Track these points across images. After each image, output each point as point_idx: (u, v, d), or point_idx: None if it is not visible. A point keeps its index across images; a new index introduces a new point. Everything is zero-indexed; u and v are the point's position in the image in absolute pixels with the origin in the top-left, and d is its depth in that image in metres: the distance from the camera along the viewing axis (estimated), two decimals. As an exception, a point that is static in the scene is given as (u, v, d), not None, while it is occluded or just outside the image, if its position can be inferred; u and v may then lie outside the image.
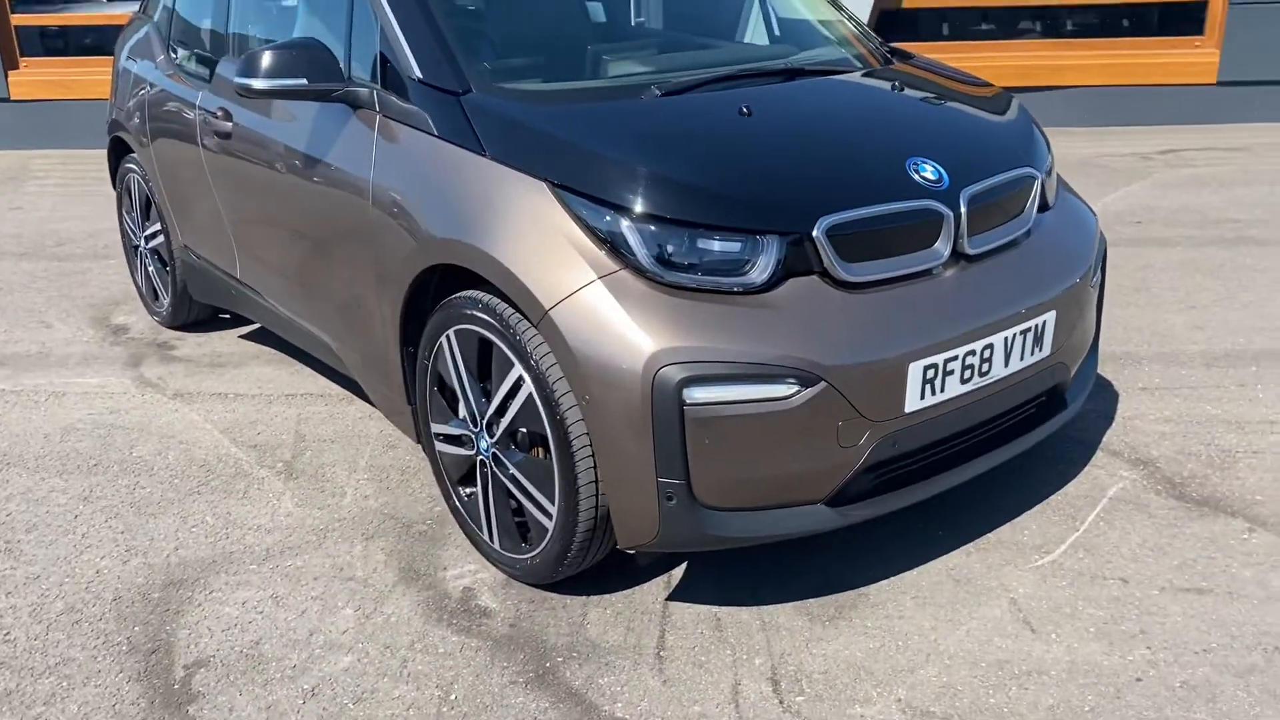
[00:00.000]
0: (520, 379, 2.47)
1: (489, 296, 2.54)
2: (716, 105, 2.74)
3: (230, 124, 3.51)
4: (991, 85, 3.24)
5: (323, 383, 4.01)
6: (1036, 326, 2.63)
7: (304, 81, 2.83)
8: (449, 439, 2.81)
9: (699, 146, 2.56)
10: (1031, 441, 2.78)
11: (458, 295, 2.64)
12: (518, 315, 2.46)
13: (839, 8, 3.66)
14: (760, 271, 2.35)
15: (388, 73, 2.85)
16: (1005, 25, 9.21)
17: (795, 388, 2.27)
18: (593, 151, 2.48)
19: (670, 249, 2.35)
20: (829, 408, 2.30)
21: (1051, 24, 9.20)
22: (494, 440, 2.62)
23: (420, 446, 3.18)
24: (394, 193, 2.76)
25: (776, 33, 3.75)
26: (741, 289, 2.34)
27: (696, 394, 2.25)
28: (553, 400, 2.39)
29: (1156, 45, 8.41)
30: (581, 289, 2.33)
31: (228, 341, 4.50)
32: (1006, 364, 2.58)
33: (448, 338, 2.68)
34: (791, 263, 2.36)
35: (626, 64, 3.24)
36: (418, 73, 2.75)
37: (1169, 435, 3.37)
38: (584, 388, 2.33)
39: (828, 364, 2.29)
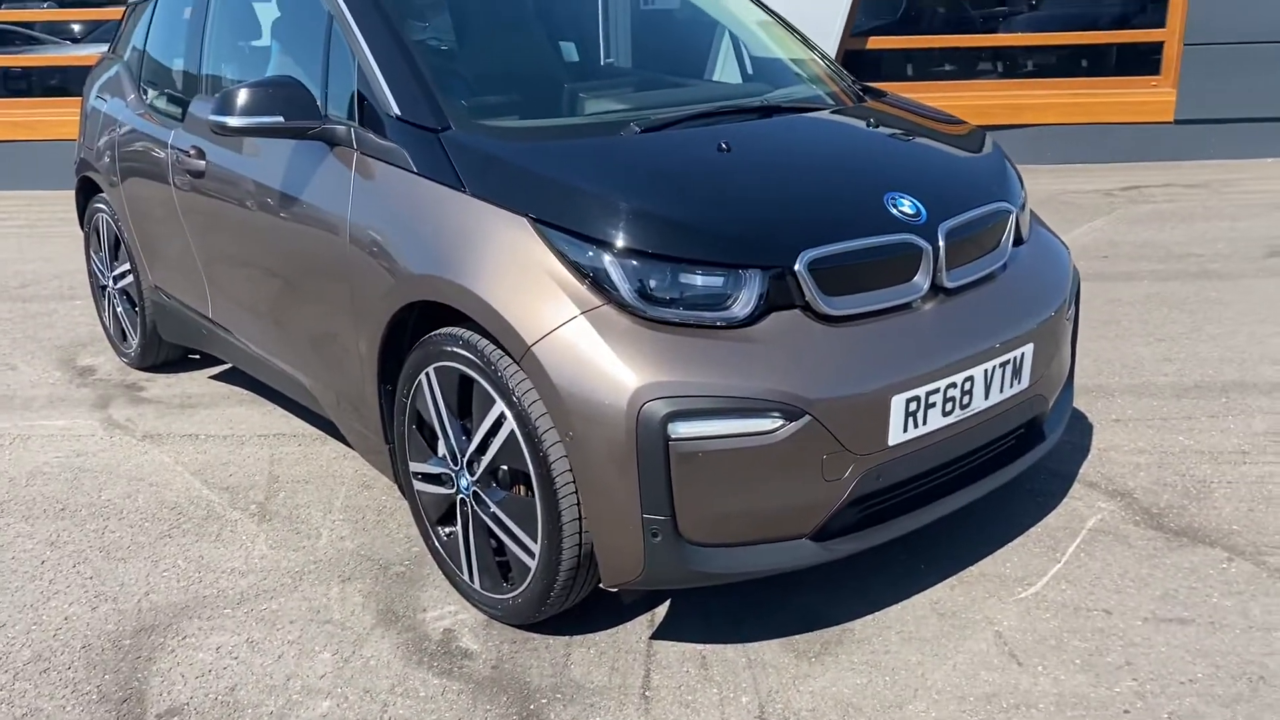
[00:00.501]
0: (502, 416, 2.45)
1: (469, 333, 2.52)
2: (695, 142, 2.76)
3: (203, 163, 3.48)
4: (965, 122, 3.28)
5: (295, 423, 3.96)
6: (1015, 359, 2.65)
7: (280, 119, 2.81)
8: (428, 478, 2.78)
9: (680, 182, 2.57)
10: (1012, 474, 2.79)
11: (437, 332, 2.62)
12: (499, 352, 2.44)
13: (811, 47, 3.70)
14: (742, 305, 2.35)
15: (365, 110, 2.84)
16: (966, 65, 9.40)
17: (780, 421, 2.27)
18: (574, 187, 2.48)
19: (653, 284, 2.34)
20: (813, 441, 2.30)
21: (1011, 64, 9.40)
22: (475, 478, 2.59)
23: (397, 486, 3.15)
24: (372, 230, 2.74)
25: (749, 71, 3.79)
26: (724, 323, 2.33)
27: (681, 429, 2.23)
28: (535, 437, 2.37)
29: (1114, 85, 8.61)
30: (564, 324, 2.32)
31: (198, 382, 4.43)
32: (987, 396, 2.59)
33: (427, 375, 2.65)
34: (773, 297, 2.36)
35: (603, 101, 3.26)
36: (396, 110, 2.75)
37: (1144, 466, 3.39)
38: (567, 424, 2.31)
39: (811, 397, 2.29)
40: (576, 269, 2.36)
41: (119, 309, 4.57)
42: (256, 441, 3.83)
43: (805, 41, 3.74)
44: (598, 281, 2.34)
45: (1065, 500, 3.20)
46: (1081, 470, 3.38)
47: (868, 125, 3.02)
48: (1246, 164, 8.21)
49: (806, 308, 2.39)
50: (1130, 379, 4.11)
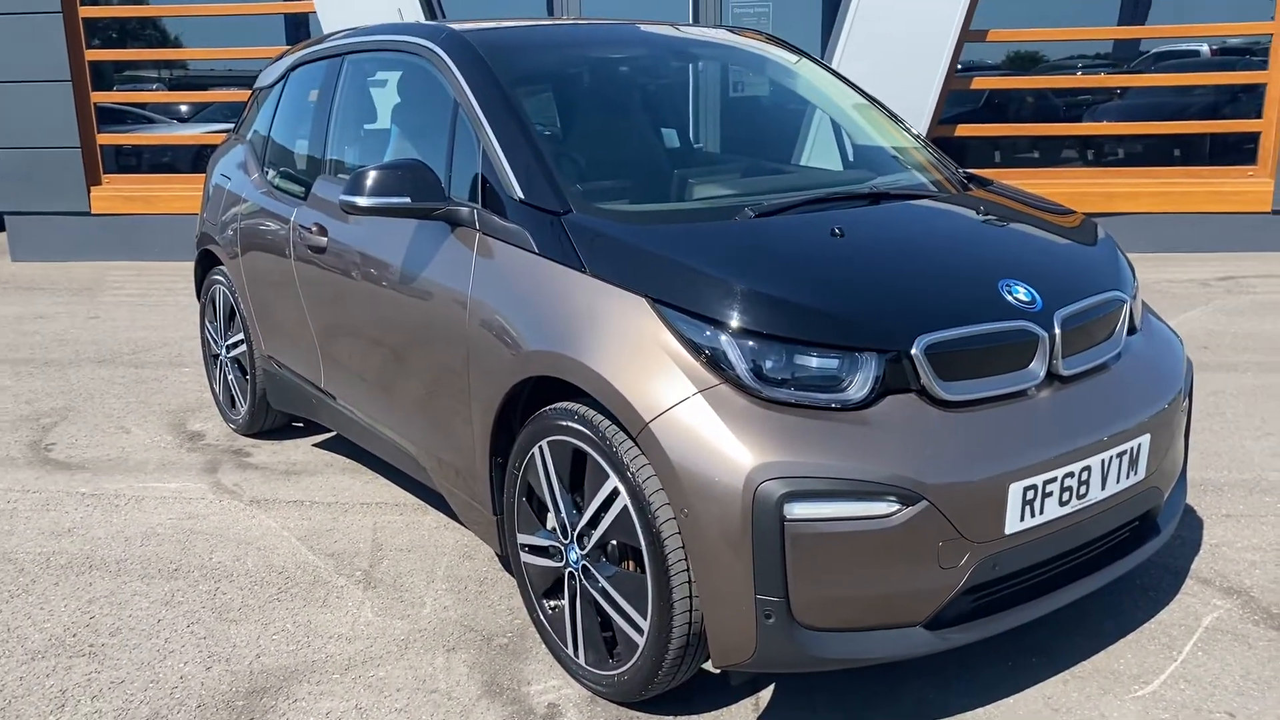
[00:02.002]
0: (615, 491, 2.48)
1: (585, 408, 2.57)
2: (809, 226, 2.81)
3: (325, 239, 3.64)
4: (1074, 211, 3.29)
5: (397, 492, 4.04)
6: (1132, 449, 2.61)
7: (407, 200, 2.94)
8: (535, 550, 2.82)
9: (795, 265, 2.61)
10: (1127, 567, 2.73)
11: (553, 406, 2.67)
12: (615, 427, 2.49)
13: (915, 135, 3.75)
14: (859, 388, 2.37)
15: (488, 193, 2.95)
16: (1055, 153, 9.40)
17: (896, 506, 2.26)
18: (692, 268, 2.53)
19: (769, 364, 2.38)
20: (930, 527, 2.29)
21: (1101, 152, 9.37)
22: (584, 552, 2.62)
23: (499, 558, 3.19)
24: (493, 307, 2.83)
25: (851, 158, 3.85)
26: (839, 405, 2.35)
27: (797, 510, 2.24)
28: (649, 513, 2.40)
29: (1209, 175, 8.53)
30: (682, 402, 2.36)
31: (302, 450, 4.56)
32: (1103, 487, 2.56)
33: (540, 448, 2.71)
34: (889, 380, 2.38)
35: (710, 187, 3.34)
36: (519, 193, 2.86)
37: (1259, 564, 3.29)
38: (682, 501, 2.33)
39: (929, 482, 2.28)
40: (693, 348, 2.41)
41: (230, 377, 4.74)
42: (360, 509, 3.91)
43: (908, 130, 3.79)
44: (714, 360, 2.39)
45: (1179, 597, 3.11)
46: (1194, 566, 3.29)
47: (978, 213, 3.05)
48: (1348, 256, 8.03)
49: (922, 392, 2.40)
50: (1240, 474, 4.01)
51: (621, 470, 2.45)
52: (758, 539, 2.25)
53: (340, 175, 3.77)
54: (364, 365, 3.60)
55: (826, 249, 2.68)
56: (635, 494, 2.42)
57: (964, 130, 8.80)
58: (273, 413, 4.56)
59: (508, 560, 2.98)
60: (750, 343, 2.39)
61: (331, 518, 3.85)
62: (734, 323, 2.40)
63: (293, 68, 4.41)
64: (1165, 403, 2.77)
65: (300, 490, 4.12)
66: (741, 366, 2.37)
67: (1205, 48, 10.08)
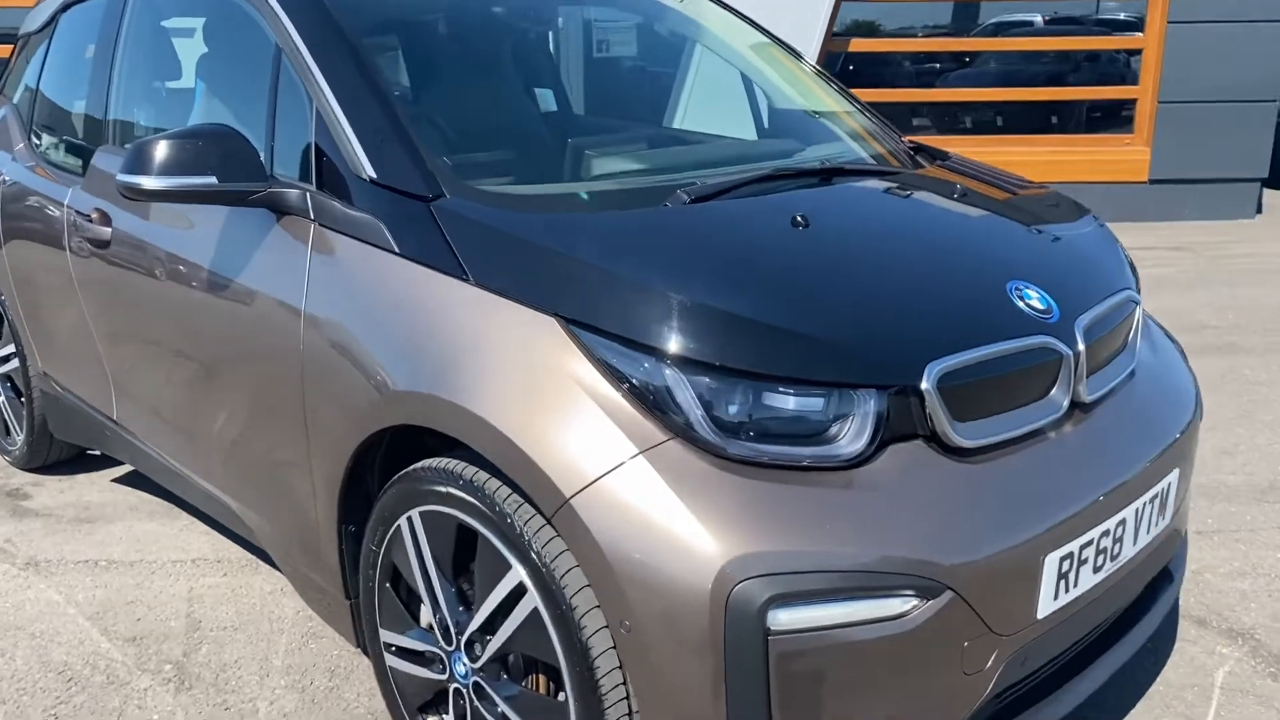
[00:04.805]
0: (521, 587, 1.79)
1: (472, 469, 1.87)
2: (761, 214, 2.15)
3: (108, 229, 2.77)
4: (1056, 192, 2.74)
5: (219, 543, 3.22)
6: (1162, 490, 2.10)
7: (213, 180, 2.13)
8: (408, 654, 2.10)
9: (757, 268, 1.95)
10: (1151, 627, 2.22)
11: (426, 464, 1.96)
12: (518, 499, 1.80)
13: (851, 98, 3.14)
14: (853, 439, 1.74)
15: (325, 170, 2.18)
16: (935, 120, 9.08)
17: (914, 602, 1.66)
18: (619, 275, 1.84)
19: (733, 410, 1.73)
20: (954, 624, 1.70)
21: (981, 120, 9.10)
22: (477, 665, 1.92)
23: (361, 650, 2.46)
24: (337, 326, 2.07)
25: (765, 124, 3.22)
26: (829, 464, 1.72)
27: (784, 617, 1.61)
28: (571, 621, 1.72)
29: (1087, 143, 8.35)
30: (616, 469, 1.68)
31: (98, 487, 3.66)
32: (1135, 541, 2.03)
33: (410, 520, 1.98)
34: (892, 425, 1.76)
35: (618, 160, 2.65)
36: (369, 170, 2.09)
37: (1252, 596, 2.86)
38: (622, 610, 1.66)
39: (951, 565, 1.68)
40: (629, 389, 1.73)
41: (1, 399, 3.79)
42: (171, 569, 3.08)
43: (844, 92, 3.18)
44: (659, 406, 1.72)
45: (1179, 645, 2.64)
46: (1183, 602, 2.83)
47: (954, 196, 2.45)
48: (1222, 225, 7.98)
49: (932, 437, 1.79)
50: (1194, 477, 3.59)
51: (529, 560, 1.76)
52: (732, 661, 1.61)
53: (128, 145, 2.89)
54: (164, 395, 2.76)
55: (790, 245, 2.03)
56: (550, 594, 1.74)
57: (842, 95, 8.35)
58: (59, 443, 3.64)
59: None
60: (706, 379, 1.73)
61: (134, 583, 3.01)
62: (682, 352, 1.73)
63: (64, 7, 3.46)
64: (1184, 425, 2.26)
65: (94, 545, 3.24)
66: (695, 413, 1.71)
67: (1038, 18, 9.93)
